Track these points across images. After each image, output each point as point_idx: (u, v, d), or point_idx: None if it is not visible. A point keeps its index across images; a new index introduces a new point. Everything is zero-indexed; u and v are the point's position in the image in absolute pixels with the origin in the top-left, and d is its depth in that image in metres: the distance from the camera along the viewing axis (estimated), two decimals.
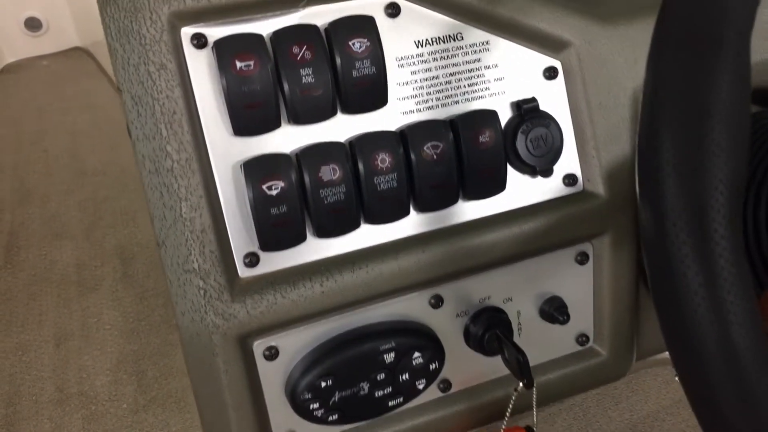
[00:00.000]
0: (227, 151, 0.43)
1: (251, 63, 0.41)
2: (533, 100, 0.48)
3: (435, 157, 0.45)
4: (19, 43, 2.44)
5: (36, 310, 1.47)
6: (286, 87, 0.42)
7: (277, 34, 0.43)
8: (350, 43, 0.43)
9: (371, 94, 0.45)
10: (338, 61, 0.43)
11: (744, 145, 0.29)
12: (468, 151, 0.46)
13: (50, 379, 1.28)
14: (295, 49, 0.42)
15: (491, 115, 0.47)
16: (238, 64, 0.41)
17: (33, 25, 2.43)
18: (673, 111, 0.29)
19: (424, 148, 0.45)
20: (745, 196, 0.47)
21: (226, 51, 0.41)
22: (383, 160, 0.44)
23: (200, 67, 0.42)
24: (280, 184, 0.42)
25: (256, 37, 0.42)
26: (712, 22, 0.29)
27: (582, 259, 0.52)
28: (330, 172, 0.43)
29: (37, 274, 1.57)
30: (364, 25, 0.44)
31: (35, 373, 1.29)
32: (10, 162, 1.97)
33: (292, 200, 0.43)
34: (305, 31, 0.43)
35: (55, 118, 2.19)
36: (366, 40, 0.44)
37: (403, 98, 0.47)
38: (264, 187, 0.42)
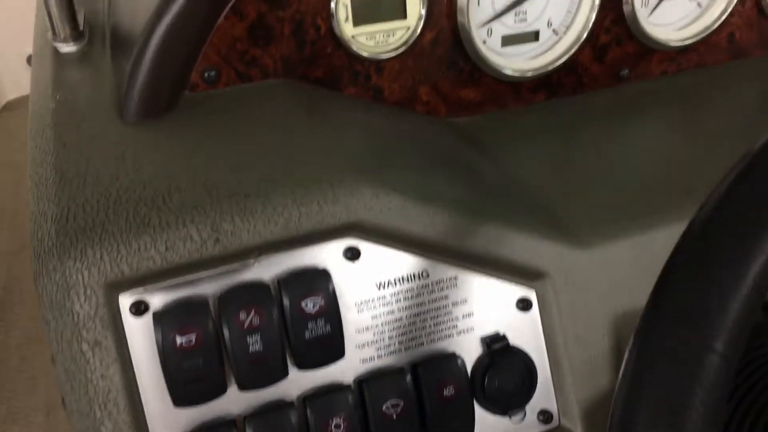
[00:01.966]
0: (168, 422, 0.40)
1: (193, 338, 0.38)
2: (503, 338, 0.45)
3: (395, 416, 0.42)
4: (23, 81, 2.43)
5: (27, 374, 1.46)
6: (232, 356, 0.39)
7: (224, 299, 0.40)
8: (303, 304, 0.40)
9: (326, 350, 0.42)
10: (290, 322, 0.40)
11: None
12: (431, 406, 0.43)
13: None
14: (243, 315, 0.39)
15: (455, 364, 0.44)
16: (179, 340, 0.38)
17: None
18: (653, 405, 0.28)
19: (383, 407, 0.42)
20: None
21: (165, 326, 0.38)
22: (338, 425, 0.42)
23: (140, 336, 0.39)
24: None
25: (199, 307, 0.39)
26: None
27: None
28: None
29: (30, 335, 1.55)
30: (317, 282, 0.41)
31: None
32: (10, 208, 1.96)
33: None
34: (254, 294, 0.40)
35: None
36: (320, 298, 0.41)
37: (363, 345, 0.44)
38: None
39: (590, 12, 0.57)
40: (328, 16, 0.50)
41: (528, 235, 0.46)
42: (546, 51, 0.59)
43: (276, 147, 0.45)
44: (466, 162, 0.53)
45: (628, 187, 0.51)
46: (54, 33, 0.52)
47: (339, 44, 0.51)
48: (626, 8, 0.58)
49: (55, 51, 0.53)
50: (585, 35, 0.58)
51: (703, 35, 0.62)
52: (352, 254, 0.43)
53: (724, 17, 0.62)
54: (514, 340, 0.46)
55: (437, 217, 0.45)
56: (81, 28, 0.53)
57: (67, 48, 0.52)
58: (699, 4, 0.62)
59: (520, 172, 0.53)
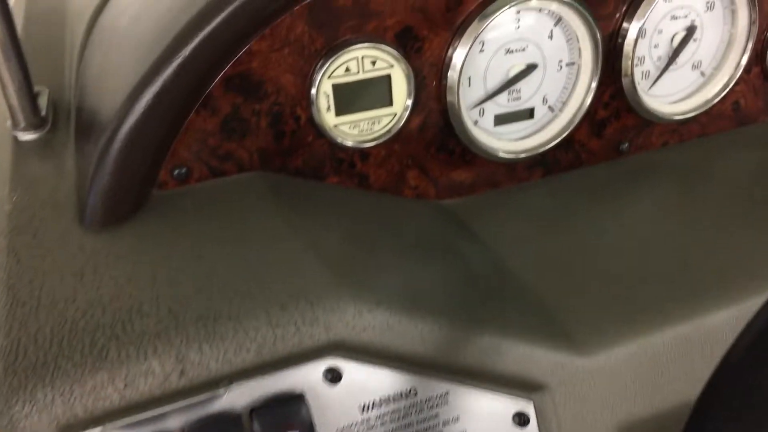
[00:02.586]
0: None
1: None
2: None
3: None
4: None
5: None
6: None
7: None
8: None
9: None
10: None
11: None
12: None
13: None
14: None
15: None
16: None
17: None
18: None
19: None
20: None
21: None
22: None
23: None
24: None
25: None
26: None
27: None
28: None
29: None
30: (293, 410, 0.37)
31: None
32: None
33: None
34: (224, 427, 0.37)
35: None
36: (296, 429, 0.37)
37: None
38: None
39: (588, 88, 0.54)
40: (308, 106, 0.47)
41: (524, 344, 0.43)
42: (542, 128, 0.55)
43: (250, 255, 0.42)
44: (457, 253, 0.50)
45: (630, 281, 0.48)
46: (13, 121, 0.49)
47: (320, 134, 0.48)
48: (625, 81, 0.55)
49: (15, 139, 0.50)
50: (583, 111, 0.55)
51: (707, 107, 0.59)
52: (333, 376, 0.39)
53: (729, 87, 0.59)
54: None
55: (426, 331, 0.41)
56: (43, 112, 0.50)
57: (28, 137, 0.49)
58: (702, 74, 0.59)
59: (515, 262, 0.49)
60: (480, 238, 0.52)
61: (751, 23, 0.57)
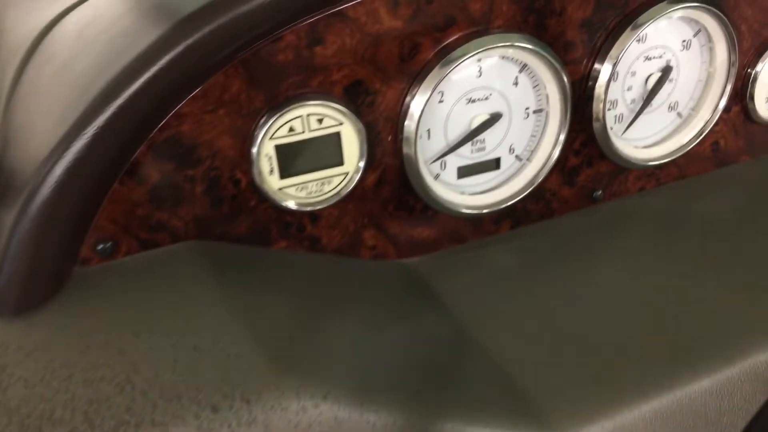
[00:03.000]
0: None
1: None
2: None
3: None
4: None
5: None
6: None
7: None
8: None
9: None
10: None
11: None
12: None
13: None
14: None
15: None
16: None
17: None
18: None
19: None
20: None
21: None
22: None
23: None
24: None
25: None
26: None
27: None
28: None
29: None
30: None
31: None
32: None
33: None
34: None
35: None
36: None
37: None
38: None
39: (557, 135, 0.51)
40: (249, 169, 0.42)
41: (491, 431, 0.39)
42: (509, 179, 0.51)
43: (180, 345, 0.37)
44: (417, 324, 0.46)
45: (605, 351, 0.44)
46: None
47: (263, 198, 0.44)
48: (597, 126, 0.51)
49: None
50: (552, 160, 0.51)
51: (685, 150, 0.56)
52: None
53: (708, 128, 0.56)
54: None
55: (380, 426, 0.37)
56: None
57: None
58: (679, 115, 0.56)
59: (480, 330, 0.45)
60: (443, 303, 0.48)
61: (730, 60, 0.54)
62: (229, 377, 0.36)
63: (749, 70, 0.57)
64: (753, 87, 0.57)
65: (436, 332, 0.46)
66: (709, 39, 0.53)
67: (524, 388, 0.42)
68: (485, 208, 0.50)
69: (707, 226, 0.54)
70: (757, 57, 0.56)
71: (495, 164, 0.51)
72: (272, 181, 0.43)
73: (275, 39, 0.39)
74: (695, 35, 0.53)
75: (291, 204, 0.44)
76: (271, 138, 0.42)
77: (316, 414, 0.36)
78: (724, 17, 0.51)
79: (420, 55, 0.44)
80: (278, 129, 0.41)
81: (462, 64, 0.45)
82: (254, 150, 0.41)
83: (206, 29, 0.38)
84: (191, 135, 0.40)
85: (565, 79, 0.48)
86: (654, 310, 0.47)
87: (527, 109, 0.50)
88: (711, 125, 0.55)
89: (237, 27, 0.38)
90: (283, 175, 0.43)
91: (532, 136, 0.51)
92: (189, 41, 0.38)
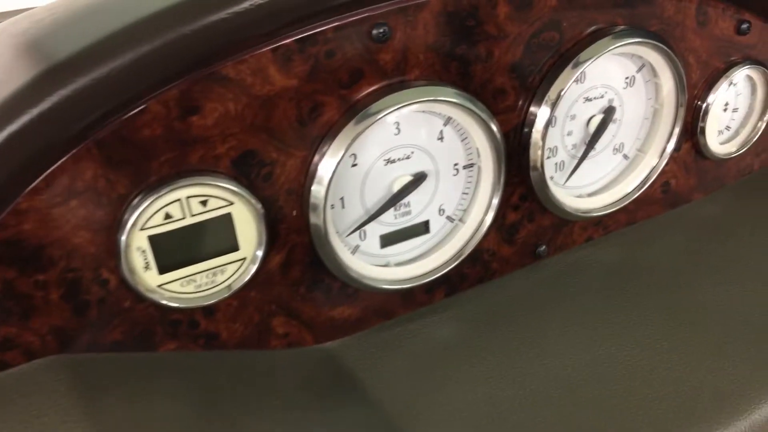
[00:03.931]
0: None
1: None
2: None
3: None
4: None
5: None
6: None
7: None
8: None
9: None
10: None
11: None
12: None
13: None
14: None
15: None
16: None
17: None
18: None
19: None
20: None
21: None
22: None
23: None
24: None
25: None
26: None
27: None
28: None
29: None
30: None
31: None
32: None
33: None
34: None
35: None
36: None
37: None
38: None
39: (492, 190, 0.45)
40: (118, 267, 0.35)
41: None
42: (440, 243, 0.45)
43: None
44: (336, 421, 0.39)
45: None
46: None
47: (140, 298, 0.36)
48: (534, 175, 0.45)
49: None
50: (490, 219, 0.46)
51: (633, 196, 0.51)
52: None
53: (658, 170, 0.51)
54: None
55: None
56: None
57: None
58: (625, 157, 0.51)
59: (409, 425, 0.39)
60: (366, 394, 0.41)
61: (677, 94, 0.49)
62: None
63: (699, 103, 0.52)
64: (704, 121, 0.52)
65: (359, 423, 0.39)
66: (654, 73, 0.48)
67: None
68: (415, 281, 0.44)
69: (660, 276, 0.49)
70: (707, 89, 0.51)
71: (424, 228, 0.45)
72: (149, 277, 0.35)
73: (136, 112, 0.32)
74: (639, 71, 0.48)
75: (175, 302, 0.37)
76: (142, 228, 0.34)
77: None
78: (669, 50, 0.46)
79: (324, 116, 0.37)
80: (150, 217, 0.34)
81: (376, 122, 0.38)
82: (121, 244, 0.34)
83: (45, 105, 0.31)
84: (36, 234, 0.32)
85: (495, 129, 0.42)
86: (606, 386, 0.41)
87: (456, 165, 0.43)
88: (661, 166, 0.51)
89: (83, 100, 0.30)
90: (163, 269, 0.35)
91: (464, 193, 0.45)
92: (13, 127, 0.30)
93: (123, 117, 0.32)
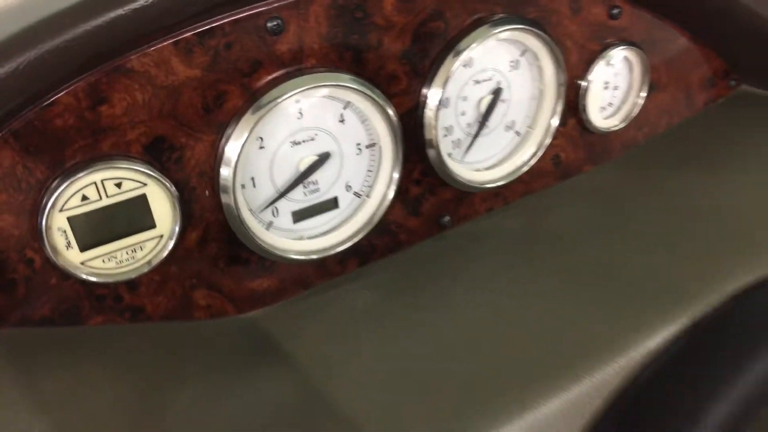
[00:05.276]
0: None
1: None
2: None
3: None
4: None
5: None
6: None
7: None
8: None
9: None
10: None
11: None
12: None
13: None
14: None
15: None
16: None
17: None
18: None
19: None
20: None
21: None
22: None
23: None
24: None
25: None
26: None
27: None
28: None
29: None
30: None
31: None
32: None
33: None
34: None
35: None
36: None
37: None
38: None
39: (392, 167, 0.49)
40: (42, 247, 0.38)
41: None
42: (350, 217, 0.49)
43: None
44: (259, 384, 0.43)
45: (459, 386, 0.43)
46: None
47: (65, 275, 0.40)
48: (431, 153, 0.50)
49: None
50: (392, 193, 0.50)
51: (526, 167, 0.56)
52: None
53: (545, 144, 0.56)
54: None
55: None
56: None
57: None
58: (517, 133, 0.56)
59: (327, 383, 0.43)
60: (286, 358, 0.45)
61: (558, 76, 0.54)
62: None
63: (580, 83, 0.58)
64: (585, 99, 0.58)
65: (278, 394, 0.43)
66: (536, 57, 0.53)
67: None
68: (326, 251, 0.48)
69: (555, 240, 0.55)
70: (586, 70, 0.57)
71: (334, 203, 0.49)
72: (71, 255, 0.39)
73: (48, 104, 0.35)
74: (522, 55, 0.53)
75: (98, 277, 0.40)
76: (61, 210, 0.37)
77: None
78: (546, 36, 0.52)
79: (228, 102, 0.41)
80: (68, 199, 0.37)
81: (277, 106, 0.42)
82: (42, 225, 0.37)
83: None
84: None
85: (391, 112, 0.46)
86: (506, 336, 0.46)
87: (359, 144, 0.48)
88: (548, 140, 0.56)
89: None
90: (84, 247, 0.39)
91: (369, 171, 0.49)
92: None
93: (35, 109, 0.35)
